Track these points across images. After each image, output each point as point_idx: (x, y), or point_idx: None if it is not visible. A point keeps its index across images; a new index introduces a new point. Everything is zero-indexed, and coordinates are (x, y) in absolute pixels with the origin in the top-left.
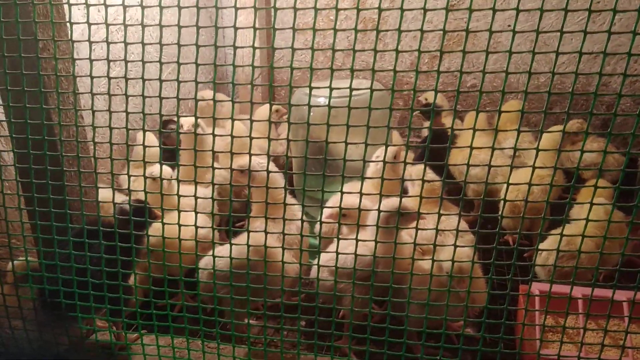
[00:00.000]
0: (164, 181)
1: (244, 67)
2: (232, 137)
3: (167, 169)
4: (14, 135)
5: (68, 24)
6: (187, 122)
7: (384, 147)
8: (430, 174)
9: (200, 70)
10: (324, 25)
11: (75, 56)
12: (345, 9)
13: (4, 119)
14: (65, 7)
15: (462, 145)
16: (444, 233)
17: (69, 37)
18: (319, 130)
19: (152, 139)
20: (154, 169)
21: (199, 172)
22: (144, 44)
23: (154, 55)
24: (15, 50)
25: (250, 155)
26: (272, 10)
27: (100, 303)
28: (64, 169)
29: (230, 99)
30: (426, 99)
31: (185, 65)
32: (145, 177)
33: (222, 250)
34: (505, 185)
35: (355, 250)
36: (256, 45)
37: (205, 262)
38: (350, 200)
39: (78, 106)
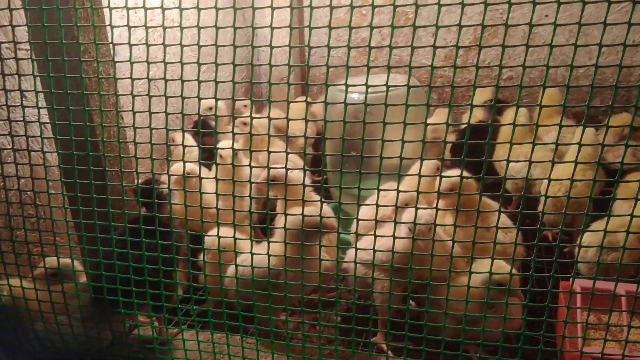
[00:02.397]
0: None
1: (278, 66)
2: (270, 119)
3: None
4: (58, 137)
5: (108, 28)
6: (225, 152)
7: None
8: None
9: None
10: (355, 20)
11: (114, 59)
12: (380, 6)
13: (48, 121)
14: (105, 10)
15: (502, 140)
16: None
17: (110, 40)
18: (350, 127)
19: (190, 140)
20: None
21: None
22: (182, 46)
23: (188, 56)
24: (58, 54)
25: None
26: (308, 9)
27: (143, 299)
28: (106, 169)
29: (262, 100)
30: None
31: (221, 65)
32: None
33: (259, 249)
34: (544, 179)
35: (393, 247)
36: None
37: (242, 259)
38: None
39: (118, 107)
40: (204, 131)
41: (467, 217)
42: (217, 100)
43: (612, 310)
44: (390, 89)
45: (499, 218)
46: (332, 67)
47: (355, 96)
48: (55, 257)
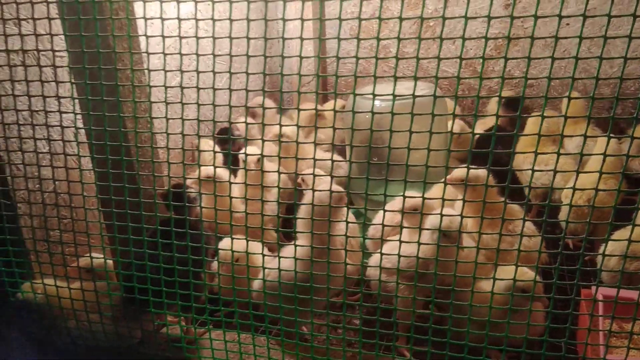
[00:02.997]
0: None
1: (308, 76)
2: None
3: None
4: (92, 142)
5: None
6: (251, 159)
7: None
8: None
9: (260, 78)
10: (376, 28)
11: (144, 67)
12: (409, 18)
13: (83, 126)
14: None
15: (522, 148)
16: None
17: (144, 49)
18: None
19: (211, 144)
20: (209, 170)
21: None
22: (214, 55)
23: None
24: (93, 63)
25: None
26: (338, 20)
27: (172, 299)
28: (139, 173)
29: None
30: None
31: (250, 74)
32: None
33: (286, 252)
34: (566, 188)
35: (418, 252)
36: (312, 54)
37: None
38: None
39: (150, 114)
40: (234, 138)
41: (490, 222)
42: (247, 108)
43: (636, 319)
44: (407, 97)
45: (523, 225)
46: (359, 77)
47: (377, 104)
48: (89, 256)
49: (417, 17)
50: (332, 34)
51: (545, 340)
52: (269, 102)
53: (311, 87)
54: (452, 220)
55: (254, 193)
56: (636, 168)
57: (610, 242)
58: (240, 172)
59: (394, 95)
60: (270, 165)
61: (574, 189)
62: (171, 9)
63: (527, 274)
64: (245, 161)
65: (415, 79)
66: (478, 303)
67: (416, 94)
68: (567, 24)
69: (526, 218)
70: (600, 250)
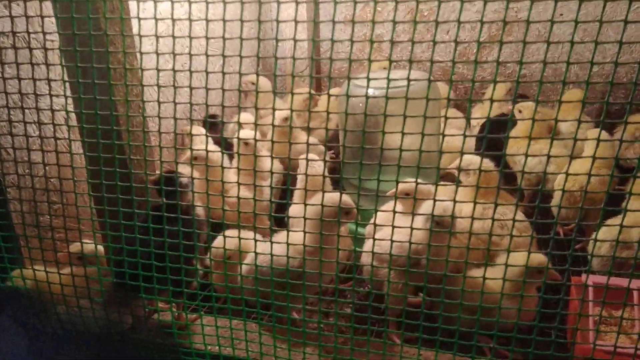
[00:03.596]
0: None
1: (303, 59)
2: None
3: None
4: (84, 126)
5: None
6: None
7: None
8: (487, 164)
9: (253, 62)
10: (369, 16)
11: (137, 50)
12: (403, 1)
13: (74, 110)
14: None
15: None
16: (505, 227)
17: (136, 32)
18: (368, 120)
19: (203, 132)
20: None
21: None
22: (207, 38)
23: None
24: (84, 45)
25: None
26: (323, 5)
27: (163, 285)
28: (130, 157)
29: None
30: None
31: (243, 57)
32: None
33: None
34: (558, 174)
35: (410, 238)
36: (305, 37)
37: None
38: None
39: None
40: (226, 122)
41: (484, 207)
42: (240, 92)
43: (626, 304)
44: (400, 85)
45: (515, 211)
46: (354, 60)
47: (370, 91)
48: (80, 242)
49: (412, 0)
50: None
51: (537, 325)
52: (263, 81)
53: (305, 74)
54: (446, 208)
55: (248, 179)
56: (629, 156)
57: (601, 230)
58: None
59: (389, 79)
60: (264, 151)
61: (567, 173)
62: None
63: (539, 257)
64: (238, 145)
65: (410, 62)
66: (471, 289)
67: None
68: (561, 15)
69: (519, 204)
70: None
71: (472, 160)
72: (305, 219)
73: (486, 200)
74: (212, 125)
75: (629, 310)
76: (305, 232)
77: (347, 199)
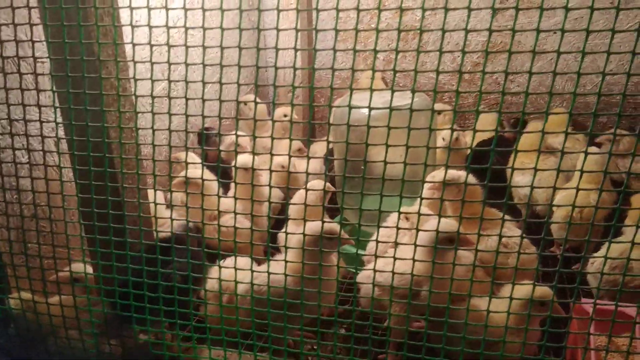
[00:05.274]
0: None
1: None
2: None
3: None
4: (75, 153)
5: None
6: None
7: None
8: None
9: (248, 89)
10: (366, 34)
11: (130, 74)
12: (388, 9)
13: (65, 136)
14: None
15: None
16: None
17: (129, 57)
18: (361, 141)
19: (196, 159)
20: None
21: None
22: (204, 65)
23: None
24: (76, 70)
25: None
26: (313, 32)
27: (156, 316)
28: (123, 185)
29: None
30: None
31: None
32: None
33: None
34: (557, 197)
35: (412, 269)
36: (298, 65)
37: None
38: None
39: (131, 123)
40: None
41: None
42: (237, 120)
43: (633, 338)
44: (398, 105)
45: (521, 242)
46: (335, 88)
47: (364, 112)
48: (69, 270)
49: (397, 9)
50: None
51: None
52: (261, 107)
53: (300, 99)
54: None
55: (246, 205)
56: (622, 167)
57: (599, 256)
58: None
59: (371, 89)
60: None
61: (551, 205)
62: (158, 15)
63: (544, 290)
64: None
65: (413, 92)
66: (473, 322)
67: (402, 102)
68: (554, 33)
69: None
70: (589, 265)
71: (456, 175)
72: (286, 247)
73: (474, 225)
74: (208, 138)
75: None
76: (286, 262)
77: (331, 226)
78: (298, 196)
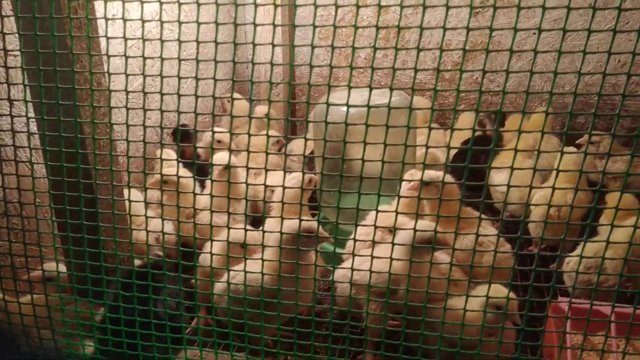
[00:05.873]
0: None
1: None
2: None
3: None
4: (47, 148)
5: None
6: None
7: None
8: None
9: (222, 84)
10: (348, 32)
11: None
12: (366, 6)
13: (37, 131)
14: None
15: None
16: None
17: (103, 51)
18: (339, 138)
19: (172, 155)
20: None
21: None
22: (180, 60)
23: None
24: (49, 64)
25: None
26: (292, 28)
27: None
28: (97, 181)
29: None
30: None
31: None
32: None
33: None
34: (534, 196)
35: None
36: (278, 60)
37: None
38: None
39: (107, 119)
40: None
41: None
42: (214, 116)
43: (607, 336)
44: (378, 103)
45: (497, 241)
46: (313, 85)
47: (344, 109)
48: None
49: (376, 5)
50: (299, 35)
51: (518, 358)
52: (244, 104)
53: (280, 95)
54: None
55: (222, 204)
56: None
57: (574, 255)
58: (209, 182)
59: (349, 86)
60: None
61: (527, 204)
62: (134, 8)
63: (501, 291)
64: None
65: (373, 68)
66: (450, 321)
67: (383, 101)
68: (534, 33)
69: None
70: (566, 264)
71: (434, 175)
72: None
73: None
74: (184, 134)
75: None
76: (263, 260)
77: (310, 224)
78: (278, 193)
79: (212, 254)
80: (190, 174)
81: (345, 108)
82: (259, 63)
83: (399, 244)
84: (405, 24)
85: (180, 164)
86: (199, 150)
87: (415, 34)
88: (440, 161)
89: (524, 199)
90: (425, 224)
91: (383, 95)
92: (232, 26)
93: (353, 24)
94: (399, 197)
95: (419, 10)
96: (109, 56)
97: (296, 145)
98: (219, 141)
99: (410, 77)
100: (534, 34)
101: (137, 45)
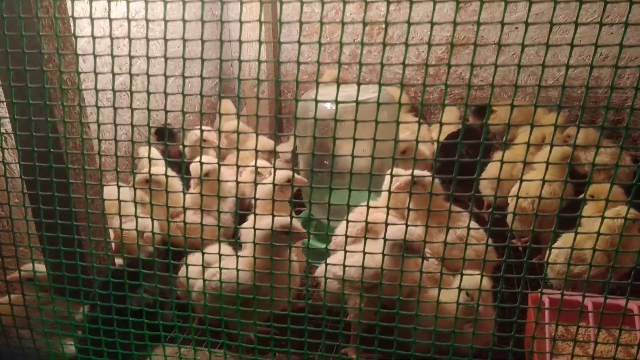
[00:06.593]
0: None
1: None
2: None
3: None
4: (19, 148)
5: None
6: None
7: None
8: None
9: (206, 82)
10: (331, 28)
11: (80, 68)
12: (352, 1)
13: (10, 130)
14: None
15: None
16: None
17: (74, 50)
18: (324, 134)
19: (156, 154)
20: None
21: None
22: (148, 58)
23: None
24: (19, 63)
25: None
26: (278, 24)
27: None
28: (70, 180)
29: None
30: None
31: (195, 78)
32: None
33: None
34: (515, 188)
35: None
36: (263, 57)
37: (211, 273)
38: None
39: (83, 118)
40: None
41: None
42: (202, 113)
43: (580, 326)
44: (363, 99)
45: (468, 231)
46: (301, 82)
47: (329, 105)
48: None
49: (360, 1)
50: (282, 32)
51: (492, 349)
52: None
53: (265, 94)
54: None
55: (204, 202)
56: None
57: (556, 245)
58: (193, 182)
59: (337, 82)
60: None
61: (518, 197)
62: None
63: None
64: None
65: (380, 85)
66: (427, 312)
67: (367, 97)
68: (517, 28)
69: (471, 220)
70: (546, 256)
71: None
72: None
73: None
74: (169, 133)
75: (584, 323)
76: (237, 256)
77: (286, 221)
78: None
79: (203, 253)
80: (174, 173)
81: (328, 105)
82: (245, 60)
83: (372, 253)
84: (388, 21)
85: (162, 163)
86: (185, 149)
87: (398, 30)
88: (425, 156)
89: (492, 191)
90: (399, 230)
91: (364, 91)
92: (214, 24)
93: (336, 20)
94: (388, 192)
95: (401, 7)
96: (77, 55)
97: (282, 148)
98: (206, 140)
99: (394, 73)
100: (517, 28)
101: (116, 45)
